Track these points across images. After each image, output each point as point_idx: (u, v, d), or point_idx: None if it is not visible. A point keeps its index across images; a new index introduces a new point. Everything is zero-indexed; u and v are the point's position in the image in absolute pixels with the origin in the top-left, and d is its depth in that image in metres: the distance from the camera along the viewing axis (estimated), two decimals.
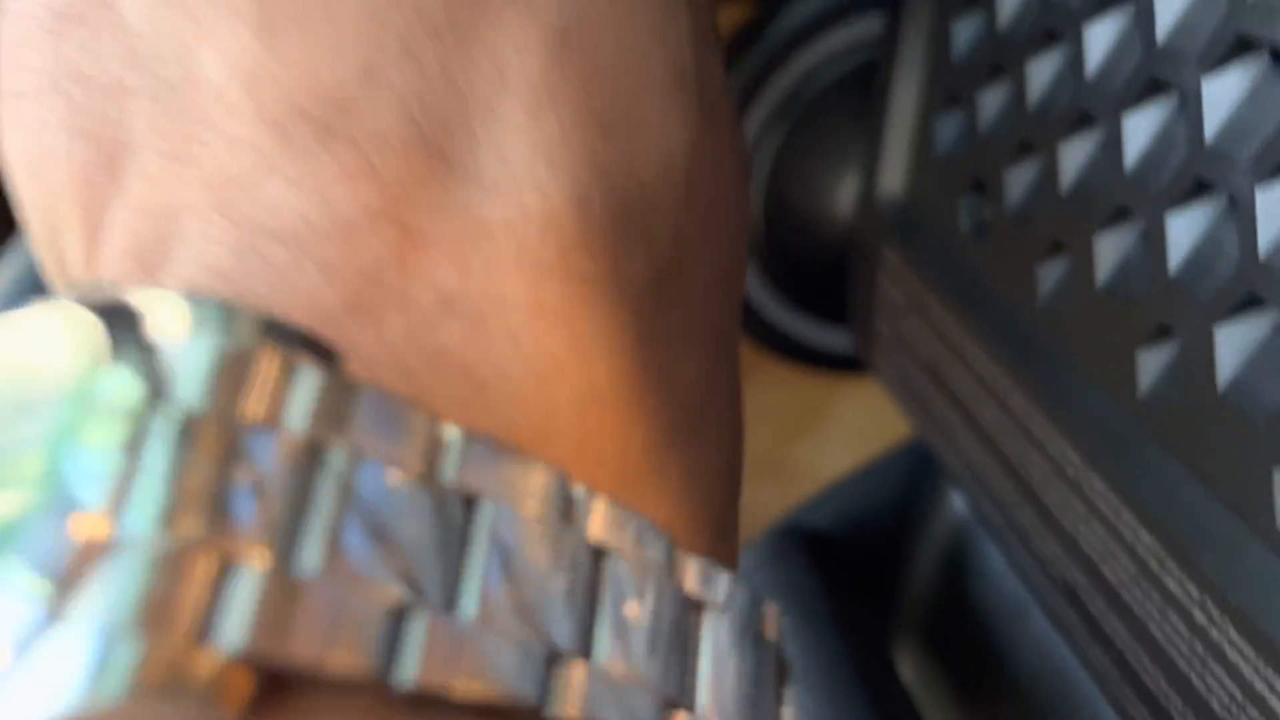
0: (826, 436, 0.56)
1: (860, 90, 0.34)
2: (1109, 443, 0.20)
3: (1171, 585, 0.18)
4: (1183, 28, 0.19)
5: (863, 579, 0.30)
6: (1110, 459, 0.20)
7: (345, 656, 0.10)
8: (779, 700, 0.13)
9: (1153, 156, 0.20)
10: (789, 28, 0.33)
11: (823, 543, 0.29)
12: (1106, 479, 0.20)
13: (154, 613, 0.09)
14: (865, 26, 0.33)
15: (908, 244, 0.28)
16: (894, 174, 0.29)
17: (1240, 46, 0.18)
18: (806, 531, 0.29)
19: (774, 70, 0.33)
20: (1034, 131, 0.23)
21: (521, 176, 0.14)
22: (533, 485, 0.12)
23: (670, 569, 0.13)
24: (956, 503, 0.31)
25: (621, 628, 0.12)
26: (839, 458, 0.57)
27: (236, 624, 0.09)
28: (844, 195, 0.35)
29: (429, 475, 0.11)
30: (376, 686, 0.10)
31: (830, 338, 0.37)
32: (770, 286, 0.36)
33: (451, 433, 0.11)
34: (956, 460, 0.26)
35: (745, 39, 0.33)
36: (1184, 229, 0.19)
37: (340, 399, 0.10)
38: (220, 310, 0.10)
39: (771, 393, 0.51)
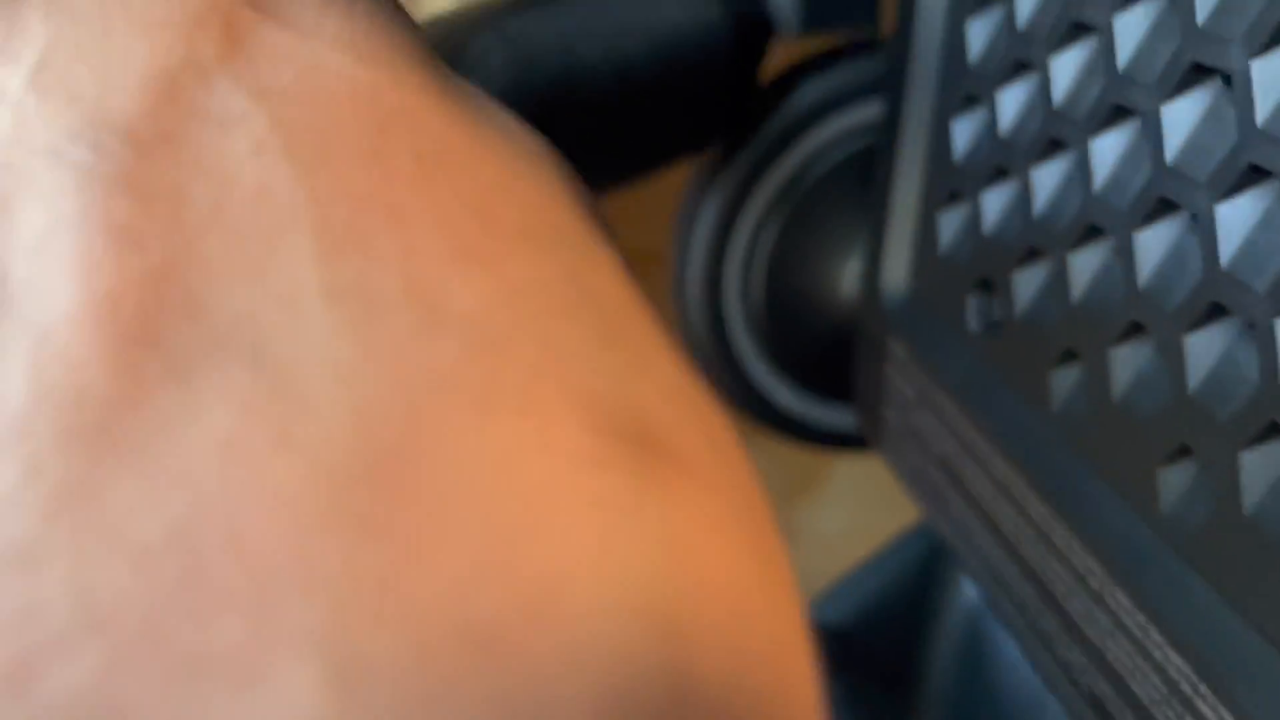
0: (827, 496, 0.56)
1: (862, 172, 0.34)
2: (1133, 557, 0.20)
3: (1206, 711, 0.18)
4: (1192, 149, 0.19)
5: (882, 671, 0.30)
6: (1135, 574, 0.20)
7: None
8: None
9: (1166, 274, 0.20)
10: (789, 115, 0.33)
11: (840, 638, 0.28)
12: (1132, 596, 0.20)
13: None
14: (864, 112, 0.33)
15: (915, 338, 0.28)
16: (897, 268, 0.29)
17: (1252, 174, 0.18)
18: (823, 627, 0.29)
19: (776, 156, 0.33)
20: (1042, 238, 0.23)
21: None
22: None
23: None
24: (969, 589, 0.31)
25: None
26: (840, 517, 0.57)
27: None
28: (848, 276, 0.35)
29: None
30: None
31: (835, 416, 0.37)
32: (774, 367, 0.36)
33: None
34: (975, 559, 0.26)
35: (745, 126, 0.33)
36: (1202, 350, 0.19)
37: None
38: None
39: (770, 453, 0.51)
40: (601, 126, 0.29)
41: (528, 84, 0.27)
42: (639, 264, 0.41)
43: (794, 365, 0.36)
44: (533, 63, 0.27)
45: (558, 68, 0.28)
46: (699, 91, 0.31)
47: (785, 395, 0.37)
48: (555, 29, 0.28)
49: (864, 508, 0.55)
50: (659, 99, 0.30)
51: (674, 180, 0.37)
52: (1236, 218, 0.18)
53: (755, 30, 0.31)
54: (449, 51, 0.27)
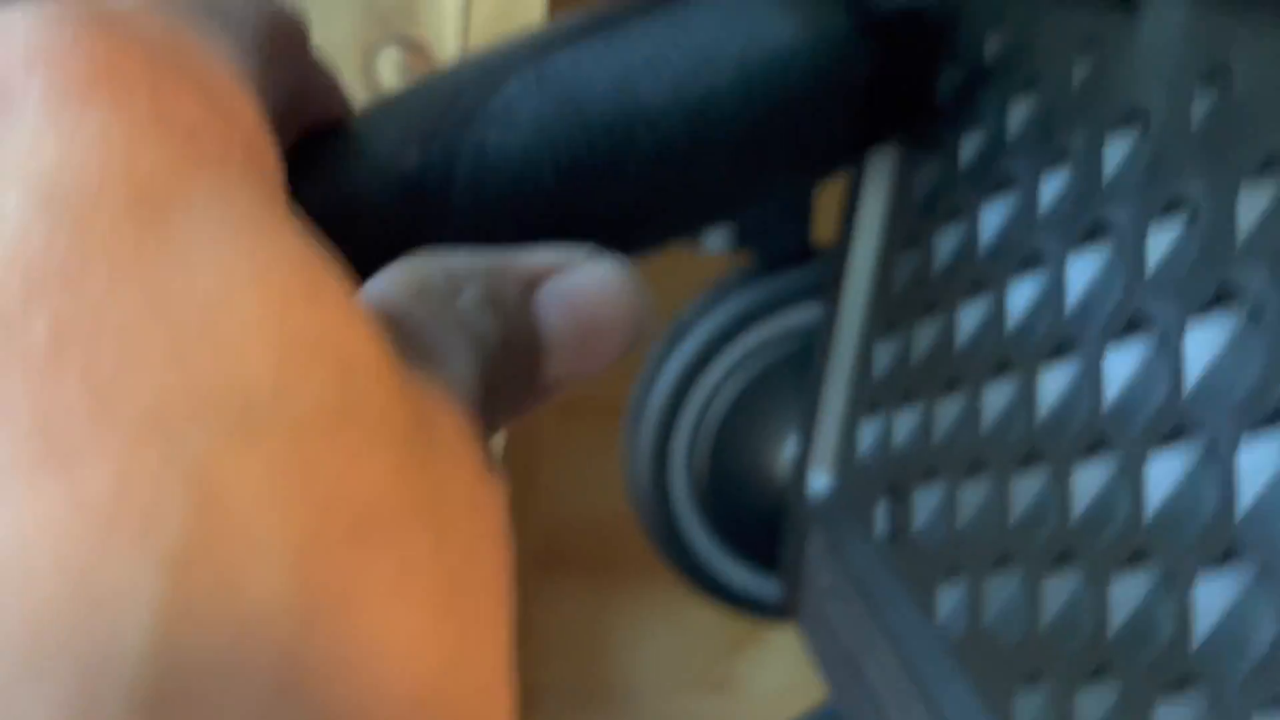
0: (768, 651, 0.58)
1: (804, 366, 0.37)
2: None
3: None
4: (1061, 409, 0.22)
5: None
6: None
7: None
8: None
9: (1034, 517, 0.22)
10: (745, 303, 0.36)
11: None
12: None
13: None
14: (806, 313, 0.36)
15: (832, 533, 0.30)
16: (822, 466, 0.31)
17: (1096, 442, 0.21)
18: None
19: (729, 339, 0.36)
20: (939, 462, 0.26)
21: None
22: None
23: None
24: None
25: None
26: (780, 673, 0.58)
27: None
28: (785, 458, 0.37)
29: None
30: None
31: (771, 588, 0.39)
32: (715, 537, 0.38)
33: None
34: None
35: (695, 319, 0.36)
36: (1056, 594, 0.21)
37: None
38: None
39: (711, 609, 0.53)
40: (667, 179, 0.24)
41: (567, 138, 0.23)
42: (603, 418, 0.44)
43: (734, 537, 0.38)
44: (578, 109, 0.23)
45: (611, 113, 0.23)
46: (818, 120, 0.25)
47: (724, 565, 0.39)
48: (610, 65, 0.24)
49: (804, 664, 0.57)
50: (753, 140, 0.25)
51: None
52: (1090, 481, 0.21)
53: (906, 26, 0.26)
54: (479, 98, 0.23)
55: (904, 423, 0.27)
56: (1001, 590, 0.23)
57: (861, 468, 0.29)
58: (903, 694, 0.26)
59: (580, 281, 0.18)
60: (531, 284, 0.18)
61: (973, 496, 0.24)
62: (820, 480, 0.32)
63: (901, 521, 0.27)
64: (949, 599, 0.25)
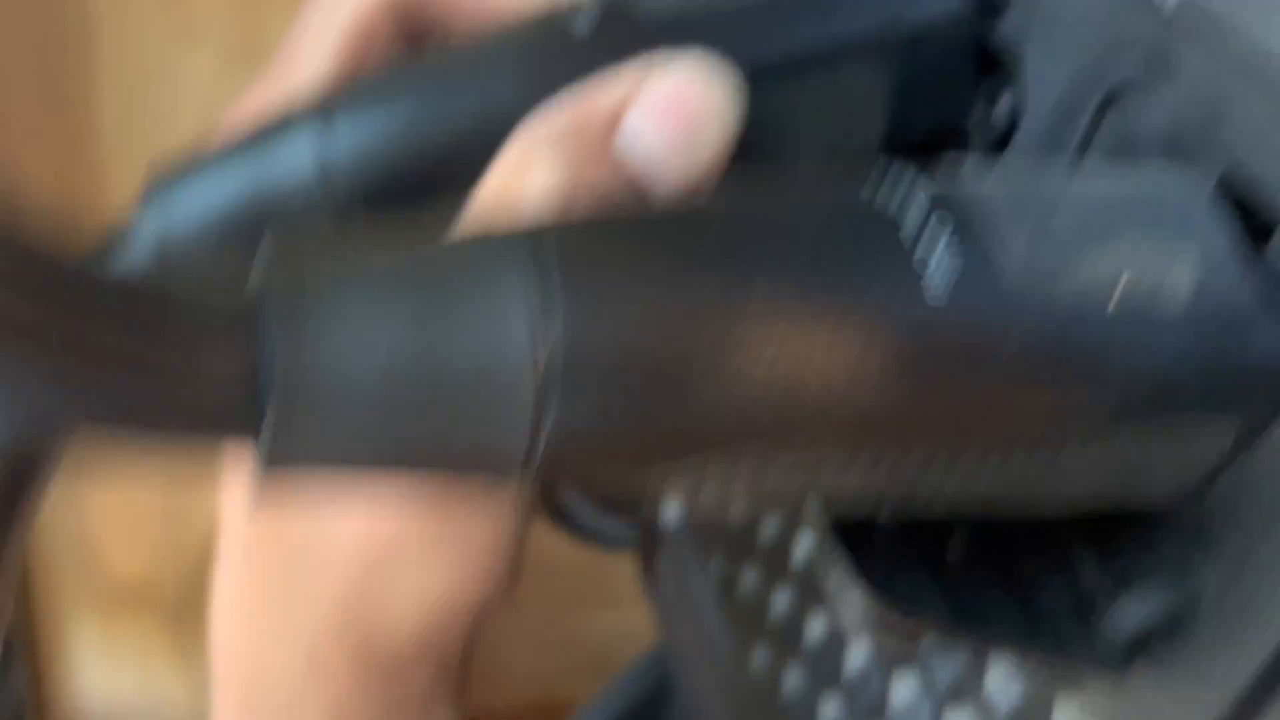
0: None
1: None
2: None
3: None
4: None
5: None
6: None
7: None
8: None
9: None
10: None
11: None
12: None
13: None
14: None
15: (676, 559, 0.39)
16: (675, 502, 0.40)
17: None
18: None
19: None
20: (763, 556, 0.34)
21: None
22: None
23: None
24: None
25: None
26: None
27: None
28: None
29: None
30: None
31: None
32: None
33: None
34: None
35: None
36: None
37: None
38: None
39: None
40: None
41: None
42: None
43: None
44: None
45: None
46: None
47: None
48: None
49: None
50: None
51: None
52: None
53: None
54: None
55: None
56: None
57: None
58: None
59: (662, 91, 0.19)
60: (612, 123, 0.19)
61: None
62: (672, 511, 0.40)
63: (731, 577, 0.36)
64: (760, 658, 0.34)
